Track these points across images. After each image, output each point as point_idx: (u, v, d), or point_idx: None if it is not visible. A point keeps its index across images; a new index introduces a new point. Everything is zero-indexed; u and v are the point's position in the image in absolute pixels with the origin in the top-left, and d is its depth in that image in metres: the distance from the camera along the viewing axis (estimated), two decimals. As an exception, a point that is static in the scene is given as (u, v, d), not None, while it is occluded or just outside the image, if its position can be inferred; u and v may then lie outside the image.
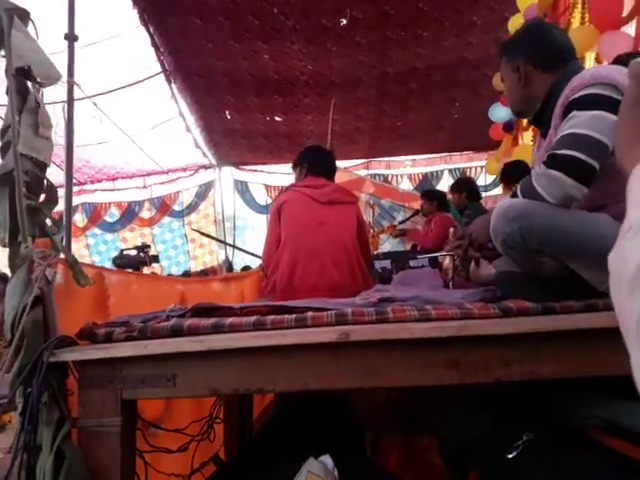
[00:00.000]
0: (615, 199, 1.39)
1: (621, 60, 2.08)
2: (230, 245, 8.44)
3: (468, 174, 8.53)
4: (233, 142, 7.88)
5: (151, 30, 5.44)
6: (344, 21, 5.07)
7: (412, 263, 3.39)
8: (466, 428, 1.69)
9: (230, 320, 1.39)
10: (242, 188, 9.43)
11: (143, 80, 6.17)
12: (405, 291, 1.96)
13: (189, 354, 1.23)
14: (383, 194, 7.80)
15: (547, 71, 1.51)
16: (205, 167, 9.27)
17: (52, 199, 1.54)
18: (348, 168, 8.72)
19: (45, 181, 1.52)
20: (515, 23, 4.20)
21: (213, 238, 8.59)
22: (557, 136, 1.37)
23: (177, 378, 1.25)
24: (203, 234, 8.48)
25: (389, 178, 9.11)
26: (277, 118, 7.04)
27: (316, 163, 2.47)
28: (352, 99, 6.42)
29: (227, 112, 6.86)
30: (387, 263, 3.52)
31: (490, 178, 6.61)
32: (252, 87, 6.23)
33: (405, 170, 9.13)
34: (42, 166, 1.50)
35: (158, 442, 1.56)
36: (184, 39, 5.51)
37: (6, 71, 1.53)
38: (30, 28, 1.71)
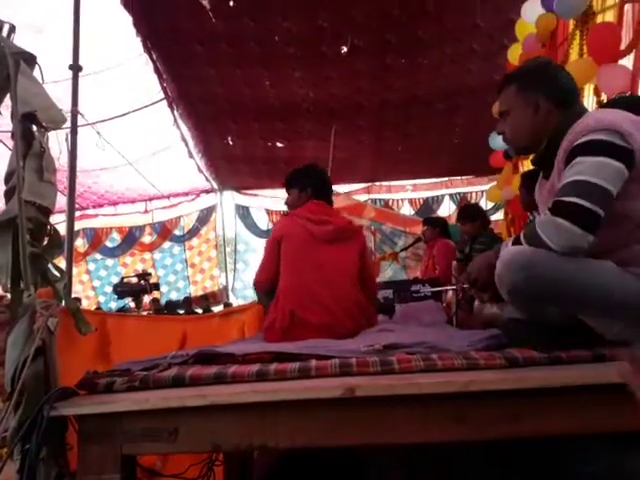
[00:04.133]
0: (620, 245, 1.38)
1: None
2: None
3: (469, 199, 8.55)
4: (235, 167, 7.92)
5: (154, 57, 5.52)
6: (345, 49, 5.14)
7: (415, 294, 3.37)
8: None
9: (232, 369, 1.37)
10: (243, 212, 9.45)
11: (146, 107, 6.23)
12: (409, 331, 1.95)
13: (190, 408, 1.21)
14: (384, 219, 7.82)
15: (558, 109, 1.50)
16: (207, 192, 9.31)
17: (55, 244, 1.53)
18: (349, 192, 8.76)
19: (48, 226, 1.52)
20: (514, 52, 4.25)
21: None
22: (561, 182, 1.36)
23: (178, 432, 1.23)
24: None
25: (390, 202, 9.13)
26: (278, 144, 7.10)
27: (320, 187, 2.43)
28: (353, 125, 6.48)
29: (229, 138, 6.91)
30: (389, 292, 3.50)
31: (491, 203, 6.62)
32: (254, 113, 6.29)
33: (406, 194, 9.16)
34: (46, 211, 1.50)
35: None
36: (187, 66, 5.58)
37: (12, 117, 1.54)
38: (36, 71, 1.73)
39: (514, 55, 4.26)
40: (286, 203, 2.54)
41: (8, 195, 1.51)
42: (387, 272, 6.12)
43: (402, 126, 6.53)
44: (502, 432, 1.16)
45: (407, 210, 8.99)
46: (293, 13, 4.70)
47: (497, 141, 4.62)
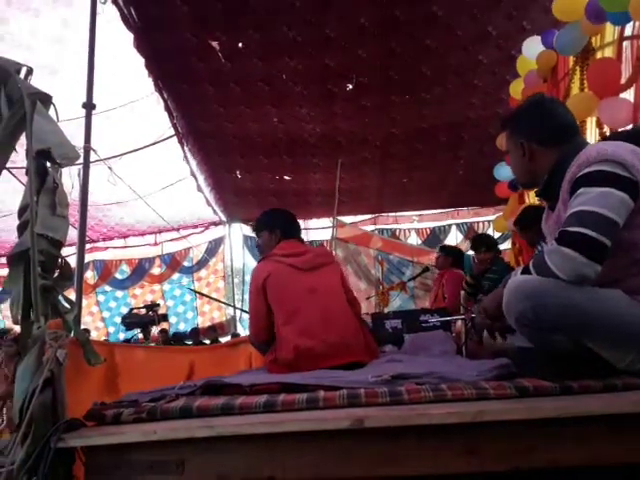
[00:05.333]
0: (627, 274, 1.38)
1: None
2: (225, 303, 8.54)
3: (476, 229, 8.56)
4: (243, 200, 8.02)
5: (165, 96, 5.67)
6: (350, 86, 5.26)
7: (424, 324, 3.35)
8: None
9: (240, 400, 1.36)
10: (251, 243, 9.51)
11: (156, 143, 6.37)
12: (418, 362, 1.93)
13: (198, 440, 1.20)
14: (391, 249, 7.82)
15: (551, 147, 1.54)
16: (215, 224, 9.40)
17: (66, 277, 1.56)
18: (355, 223, 8.80)
19: (60, 259, 1.55)
20: (516, 87, 4.33)
21: (211, 298, 8.67)
22: (567, 212, 1.38)
23: (186, 464, 1.22)
24: (203, 295, 8.58)
25: (397, 233, 9.15)
26: (286, 177, 7.20)
27: (289, 227, 2.46)
28: (358, 158, 6.57)
29: (237, 172, 7.03)
30: (398, 323, 3.47)
31: (498, 233, 6.62)
32: (261, 148, 6.41)
33: (413, 225, 9.19)
34: (57, 244, 1.53)
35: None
36: (197, 104, 5.73)
37: (27, 154, 1.59)
38: (51, 110, 1.80)
39: (516, 90, 4.34)
40: (257, 246, 2.58)
41: (21, 229, 1.55)
42: (395, 302, 6.08)
43: (407, 158, 6.62)
44: (514, 464, 1.14)
45: (414, 240, 9.00)
46: (299, 53, 4.85)
47: (502, 172, 4.66)
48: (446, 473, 1.15)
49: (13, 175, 5.07)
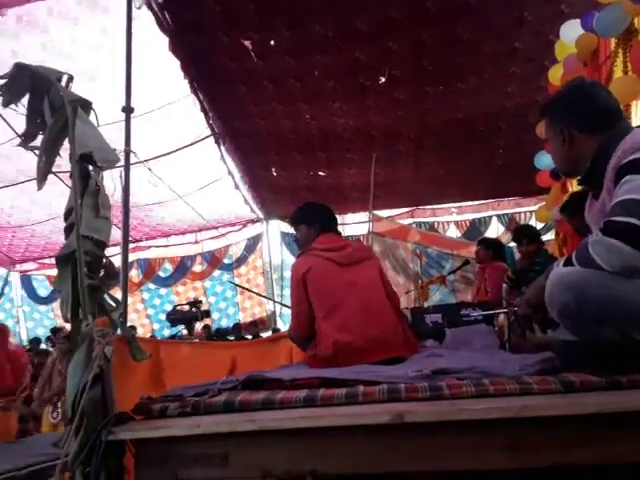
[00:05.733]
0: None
1: None
2: (267, 298, 8.61)
3: (517, 220, 8.34)
4: (279, 197, 8.09)
5: (201, 97, 5.78)
6: (382, 79, 5.22)
7: (465, 318, 3.29)
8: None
9: (280, 395, 1.38)
10: (288, 240, 9.60)
11: (194, 143, 6.51)
12: (459, 356, 1.91)
13: (241, 433, 1.22)
14: (430, 242, 7.71)
15: (593, 134, 1.48)
16: (253, 221, 9.54)
17: (111, 276, 1.61)
18: (392, 217, 8.73)
19: (104, 259, 1.60)
20: (555, 73, 4.18)
21: (252, 292, 8.78)
22: (612, 201, 1.33)
23: (229, 458, 1.24)
24: (244, 288, 8.69)
25: (435, 225, 9.02)
26: (320, 173, 7.21)
27: (327, 221, 2.46)
28: (393, 151, 6.51)
29: (273, 169, 7.09)
30: (438, 317, 3.42)
31: (540, 224, 6.43)
32: (296, 145, 6.45)
33: (451, 217, 9.03)
34: (102, 245, 1.59)
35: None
36: (231, 104, 5.81)
37: (70, 158, 1.65)
38: (92, 115, 1.86)
39: (555, 76, 4.20)
40: (296, 240, 2.57)
41: (67, 231, 1.61)
42: (435, 296, 5.99)
43: (443, 150, 6.51)
44: (557, 460, 1.11)
45: (453, 233, 8.85)
46: (331, 48, 4.84)
47: (543, 161, 4.52)
48: (486, 469, 1.13)
49: (59, 178, 5.28)
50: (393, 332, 2.14)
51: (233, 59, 5.05)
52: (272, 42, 4.87)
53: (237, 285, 9.42)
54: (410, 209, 9.10)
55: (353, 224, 8.96)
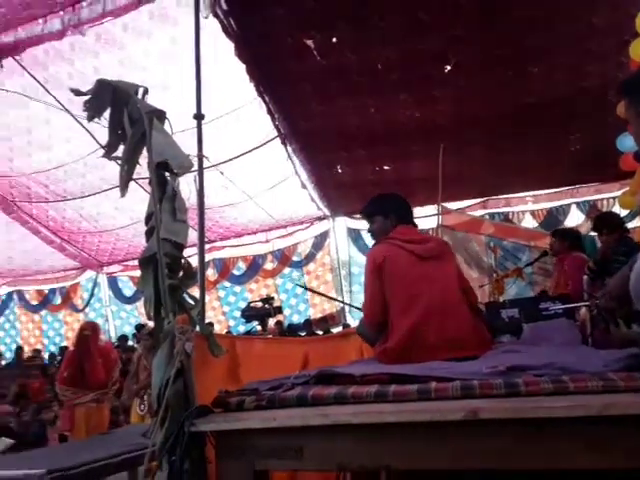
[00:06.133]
0: None
1: None
2: (330, 298, 8.69)
3: (599, 207, 7.81)
4: (345, 193, 8.11)
5: (266, 100, 5.92)
6: (448, 67, 5.08)
7: (544, 312, 3.14)
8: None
9: (352, 390, 1.40)
10: (355, 236, 9.63)
11: (261, 145, 6.68)
12: (537, 352, 1.83)
13: (314, 427, 1.25)
14: (505, 234, 7.40)
15: None
16: (320, 219, 9.66)
17: (189, 276, 1.70)
18: (463, 209, 8.47)
19: (183, 260, 1.69)
20: (637, 48, 3.88)
21: (317, 292, 8.90)
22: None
23: (304, 451, 1.28)
24: (309, 289, 8.84)
25: (510, 216, 8.65)
26: (386, 167, 7.14)
27: (404, 212, 2.38)
28: (462, 141, 6.31)
29: (338, 167, 7.12)
30: (515, 312, 3.29)
31: (624, 210, 5.98)
32: (360, 140, 6.43)
33: (527, 207, 8.62)
34: (180, 247, 1.68)
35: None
36: (296, 104, 5.90)
37: (148, 166, 1.76)
38: (166, 124, 1.97)
39: (637, 51, 3.89)
40: (370, 231, 2.46)
41: (148, 234, 1.72)
42: (511, 289, 5.74)
43: (515, 136, 6.22)
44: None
45: (529, 223, 8.45)
46: (393, 40, 4.78)
47: (625, 143, 4.21)
48: (566, 469, 1.09)
49: (139, 185, 5.61)
50: (469, 330, 2.08)
51: (296, 59, 5.12)
52: (334, 39, 4.89)
53: (301, 286, 9.60)
54: (482, 200, 8.78)
55: (420, 217, 8.81)
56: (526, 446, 1.10)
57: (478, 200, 8.77)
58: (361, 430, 1.22)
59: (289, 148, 6.78)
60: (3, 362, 9.98)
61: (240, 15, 4.71)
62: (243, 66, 5.18)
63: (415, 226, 2.43)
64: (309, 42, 4.95)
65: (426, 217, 8.62)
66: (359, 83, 5.38)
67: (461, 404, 1.19)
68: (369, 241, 9.65)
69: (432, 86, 5.40)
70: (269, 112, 6.06)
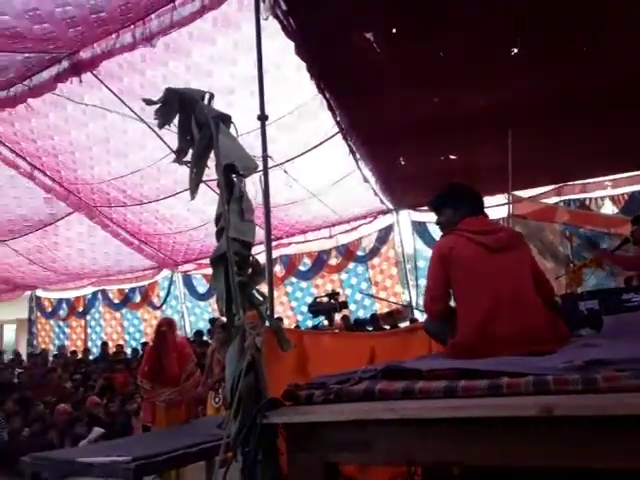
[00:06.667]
0: None
1: None
2: (395, 303, 8.67)
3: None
4: (408, 186, 7.98)
5: (327, 96, 5.94)
6: (515, 50, 4.86)
7: (627, 304, 2.95)
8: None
9: (420, 385, 1.39)
10: (421, 229, 9.47)
11: (323, 142, 6.74)
12: (619, 346, 1.73)
13: (382, 421, 1.26)
14: (581, 222, 7.02)
15: None
16: (383, 212, 9.59)
17: (258, 273, 1.76)
18: (535, 197, 8.09)
19: (251, 258, 1.76)
20: None
21: (383, 300, 8.91)
22: None
23: (372, 444, 1.29)
24: (377, 298, 8.91)
25: (587, 202, 8.16)
26: (451, 157, 6.95)
27: (475, 203, 2.31)
28: (532, 125, 6.01)
29: (401, 159, 7.02)
30: (594, 303, 3.11)
31: None
32: (424, 131, 6.29)
33: (605, 192, 8.08)
34: (248, 246, 1.74)
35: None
36: (357, 97, 5.87)
37: (216, 169, 1.84)
38: (231, 128, 2.05)
39: None
40: (439, 223, 2.39)
41: (218, 235, 1.80)
42: (590, 280, 5.43)
43: (591, 118, 5.83)
44: None
45: (609, 209, 7.94)
46: (456, 26, 4.63)
47: None
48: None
49: (209, 187, 5.85)
50: (543, 324, 1.99)
51: (356, 53, 5.10)
52: (394, 30, 4.82)
53: (369, 295, 9.67)
54: (556, 186, 8.34)
55: (490, 207, 8.49)
56: (605, 445, 1.05)
57: (551, 187, 8.33)
58: (430, 425, 1.21)
59: (351, 143, 6.78)
60: (91, 357, 10.74)
61: (299, 14, 4.76)
62: (304, 64, 5.24)
63: (486, 216, 2.36)
64: (368, 35, 4.92)
65: (496, 207, 8.35)
66: (421, 72, 5.26)
67: (534, 400, 1.16)
68: (435, 234, 9.52)
69: (497, 71, 5.18)
70: (330, 108, 6.08)
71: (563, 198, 8.30)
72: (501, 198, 7.35)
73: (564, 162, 7.21)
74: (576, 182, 8.24)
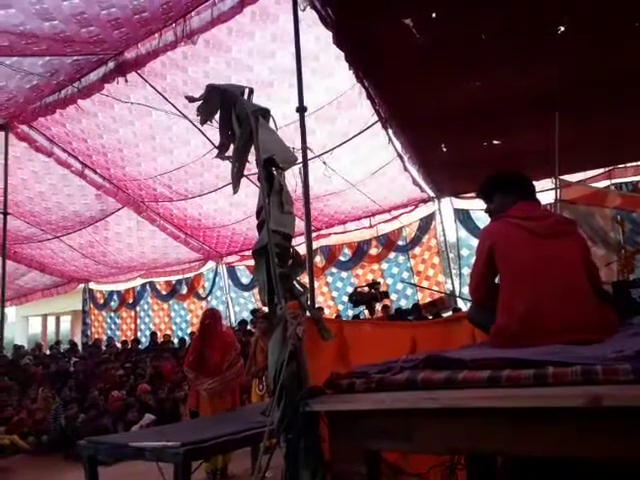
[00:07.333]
0: None
1: None
2: (438, 292, 8.55)
3: None
4: (450, 173, 7.83)
5: (366, 85, 5.90)
6: (561, 28, 4.66)
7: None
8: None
9: (463, 375, 1.38)
10: (464, 217, 9.27)
11: (362, 131, 6.70)
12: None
13: (424, 410, 1.26)
14: (634, 206, 6.68)
15: None
16: (424, 201, 9.46)
17: (298, 264, 1.79)
18: (584, 181, 7.77)
19: (291, 250, 1.79)
20: None
21: (425, 288, 8.81)
22: None
23: (414, 433, 1.30)
24: (419, 287, 8.84)
25: (640, 186, 7.79)
26: (495, 142, 6.76)
27: (525, 188, 2.24)
28: (579, 107, 5.77)
29: (442, 145, 6.88)
30: (649, 291, 2.99)
31: None
32: (466, 117, 6.14)
33: (662, 174, 7.69)
34: (288, 237, 1.77)
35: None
36: (396, 85, 5.79)
37: (257, 163, 1.87)
38: (271, 121, 2.07)
39: None
40: (488, 211, 2.33)
41: (259, 227, 1.84)
42: (644, 267, 5.19)
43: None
44: None
45: (665, 192, 7.53)
46: (498, 7, 4.49)
47: None
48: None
49: (250, 180, 5.94)
50: (592, 313, 1.92)
51: (395, 40, 5.02)
52: (433, 14, 4.72)
53: (411, 284, 9.60)
54: (607, 170, 7.99)
55: (536, 193, 8.22)
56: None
57: (601, 170, 7.99)
58: (473, 415, 1.20)
59: (390, 131, 6.71)
60: (140, 347, 11.18)
61: (336, 3, 4.73)
62: (342, 54, 5.21)
63: (537, 203, 2.29)
64: (407, 21, 4.83)
65: (541, 192, 8.07)
66: (462, 56, 5.13)
67: (582, 390, 1.13)
68: (479, 221, 9.31)
69: (542, 51, 4.99)
70: (369, 97, 6.04)
71: (614, 181, 7.96)
72: (547, 183, 7.11)
73: (615, 144, 6.89)
74: (628, 164, 7.86)
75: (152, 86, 6.12)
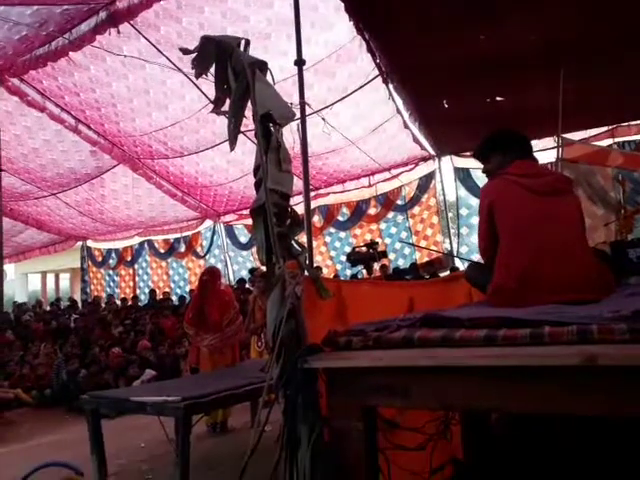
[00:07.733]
0: None
1: None
2: (438, 252, 8.53)
3: None
4: (452, 130, 7.68)
5: (367, 37, 5.71)
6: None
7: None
8: None
9: (460, 333, 1.39)
10: (464, 175, 9.19)
11: (363, 86, 6.54)
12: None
13: (421, 368, 1.28)
14: (636, 165, 6.62)
15: None
16: (425, 159, 9.35)
17: (296, 223, 1.77)
18: (587, 139, 7.67)
19: (289, 209, 1.76)
20: None
21: (424, 248, 8.79)
22: None
23: (410, 390, 1.32)
24: (417, 246, 8.82)
25: (642, 144, 7.69)
26: (498, 98, 6.62)
27: (523, 146, 2.21)
28: (585, 63, 5.60)
29: (444, 101, 6.73)
30: (646, 251, 2.99)
31: None
32: (468, 72, 5.97)
33: (664, 132, 7.58)
34: (286, 197, 1.74)
35: (396, 439, 1.65)
36: (398, 38, 5.61)
37: (253, 118, 1.82)
38: (268, 75, 2.00)
39: None
40: (485, 170, 2.31)
41: (257, 186, 1.80)
42: (642, 227, 5.18)
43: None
44: None
45: (667, 152, 7.44)
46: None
47: None
48: None
49: (248, 138, 5.83)
50: (589, 272, 1.91)
51: (396, -9, 4.84)
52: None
53: (409, 244, 9.58)
54: (610, 128, 7.86)
55: (538, 151, 8.10)
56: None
57: (604, 129, 7.87)
58: (469, 373, 1.22)
59: (391, 86, 6.55)
60: (139, 304, 11.31)
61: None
62: (342, 4, 5.02)
63: (534, 160, 2.26)
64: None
65: (543, 150, 7.98)
66: (466, 9, 4.95)
67: (577, 349, 1.14)
68: (479, 180, 9.21)
69: (549, 4, 4.81)
70: (369, 50, 5.87)
71: (617, 140, 7.87)
72: (550, 142, 7.01)
73: (619, 102, 6.75)
74: (632, 123, 7.73)
75: (145, 38, 5.91)
